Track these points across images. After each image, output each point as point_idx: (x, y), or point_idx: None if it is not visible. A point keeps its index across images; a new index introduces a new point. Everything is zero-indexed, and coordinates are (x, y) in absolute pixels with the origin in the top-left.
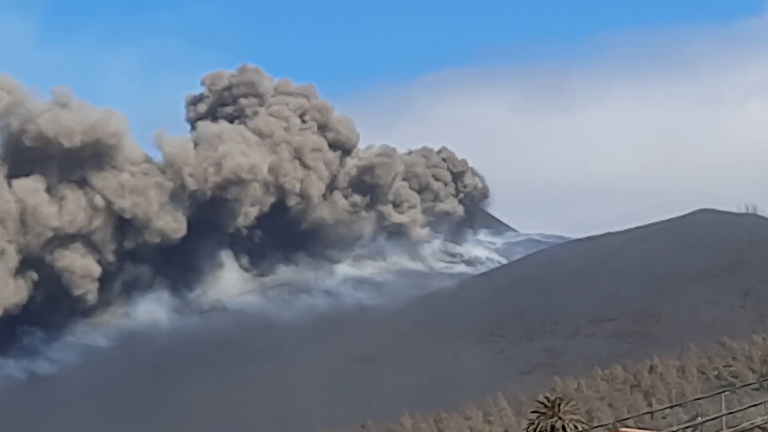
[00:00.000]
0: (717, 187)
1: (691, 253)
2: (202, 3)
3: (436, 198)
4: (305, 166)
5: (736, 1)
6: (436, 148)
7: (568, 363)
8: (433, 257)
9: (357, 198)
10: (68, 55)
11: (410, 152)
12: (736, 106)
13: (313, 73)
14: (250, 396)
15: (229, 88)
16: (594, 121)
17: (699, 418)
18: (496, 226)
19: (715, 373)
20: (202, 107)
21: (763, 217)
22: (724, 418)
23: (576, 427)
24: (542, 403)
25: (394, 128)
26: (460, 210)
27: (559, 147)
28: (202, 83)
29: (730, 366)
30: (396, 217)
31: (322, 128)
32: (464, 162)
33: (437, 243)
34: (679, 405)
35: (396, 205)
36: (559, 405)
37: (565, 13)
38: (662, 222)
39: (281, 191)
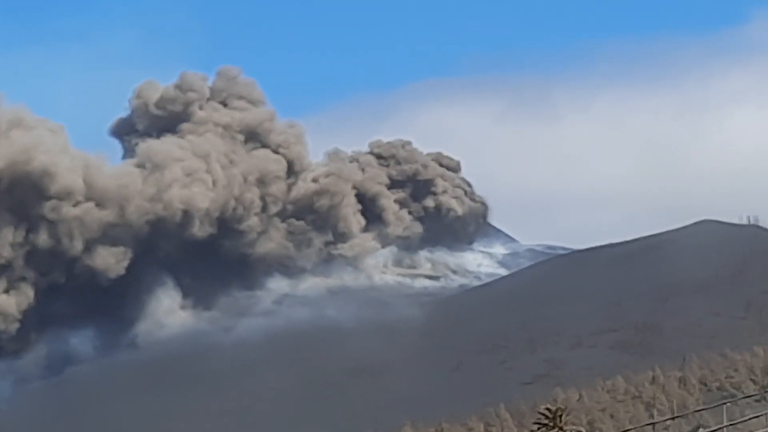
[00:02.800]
0: (707, 196)
1: (692, 264)
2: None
3: (388, 223)
4: (249, 196)
5: (720, 11)
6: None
7: (570, 374)
8: (382, 270)
9: (300, 225)
10: (19, 59)
11: (371, 153)
12: (723, 115)
13: (291, 82)
14: (240, 410)
15: (163, 116)
16: (579, 130)
17: (700, 430)
18: (497, 236)
19: (717, 384)
20: (136, 136)
21: (765, 229)
22: (725, 429)
23: None
24: (544, 414)
25: (375, 139)
26: (416, 228)
27: (545, 156)
28: (132, 103)
29: (732, 377)
30: (341, 250)
31: (267, 146)
32: (433, 169)
33: (389, 256)
34: (681, 416)
35: (342, 236)
36: (561, 416)
37: (546, 23)
38: (664, 233)
39: (222, 222)
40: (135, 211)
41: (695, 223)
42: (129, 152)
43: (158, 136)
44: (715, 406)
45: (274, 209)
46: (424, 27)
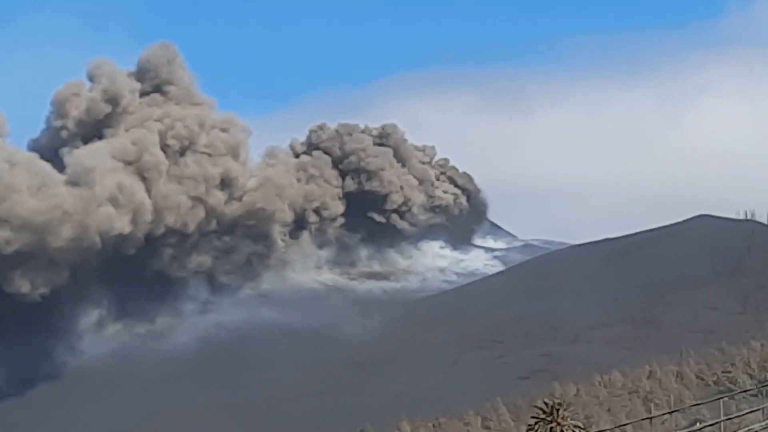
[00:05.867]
0: (690, 186)
1: (689, 259)
2: None
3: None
4: (179, 213)
5: (695, 4)
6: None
7: (567, 369)
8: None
9: (228, 240)
10: None
11: (314, 145)
12: (701, 106)
13: (260, 77)
14: (242, 403)
15: (88, 127)
16: (554, 124)
17: (698, 424)
18: (495, 230)
19: (714, 379)
20: (65, 148)
21: (762, 224)
22: (722, 423)
23: None
24: (541, 408)
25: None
26: (353, 240)
27: (519, 150)
28: (52, 119)
29: (729, 372)
30: (276, 261)
31: (200, 153)
32: (386, 180)
33: (326, 256)
34: (678, 411)
35: (272, 246)
36: (558, 411)
37: (519, 18)
38: (660, 228)
39: (150, 239)
40: (56, 239)
41: (692, 218)
42: (57, 161)
43: (86, 142)
44: (712, 401)
45: (204, 225)
46: (396, 21)
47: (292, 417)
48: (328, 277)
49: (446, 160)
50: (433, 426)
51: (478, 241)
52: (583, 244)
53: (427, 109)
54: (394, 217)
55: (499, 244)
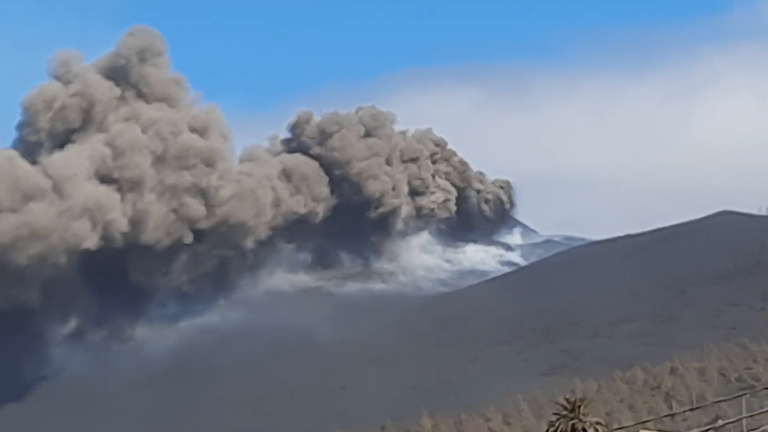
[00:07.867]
0: (705, 182)
1: (711, 254)
2: None
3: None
4: (152, 228)
5: None
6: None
7: (588, 365)
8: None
9: (203, 247)
10: None
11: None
12: (710, 101)
13: (263, 72)
14: (267, 396)
15: (62, 130)
16: (560, 119)
17: (719, 421)
18: (514, 225)
19: (736, 375)
20: (43, 149)
21: None
22: (744, 420)
23: (596, 429)
24: (562, 404)
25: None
26: (335, 242)
27: (525, 145)
28: (27, 124)
29: (751, 368)
30: (253, 266)
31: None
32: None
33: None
34: (700, 407)
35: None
36: (579, 407)
37: (523, 12)
38: (682, 224)
39: (122, 252)
40: (21, 256)
41: (714, 214)
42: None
43: (61, 146)
44: (734, 398)
45: (179, 238)
46: (400, 16)
47: (311, 412)
48: (305, 278)
49: (441, 146)
50: (454, 422)
51: (496, 236)
52: (603, 240)
53: (432, 104)
54: (378, 231)
55: (516, 240)
